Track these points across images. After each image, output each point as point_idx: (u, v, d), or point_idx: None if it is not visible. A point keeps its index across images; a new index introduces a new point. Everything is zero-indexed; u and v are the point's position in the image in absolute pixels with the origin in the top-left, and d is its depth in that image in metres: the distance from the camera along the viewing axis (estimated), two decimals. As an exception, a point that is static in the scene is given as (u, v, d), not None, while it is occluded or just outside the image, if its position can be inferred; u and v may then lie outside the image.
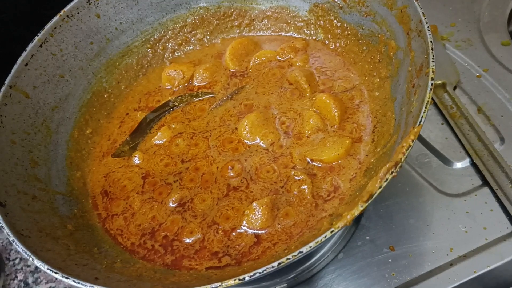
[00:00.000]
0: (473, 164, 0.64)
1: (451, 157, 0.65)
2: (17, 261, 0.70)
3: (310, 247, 0.39)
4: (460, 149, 0.66)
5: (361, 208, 0.40)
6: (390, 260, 0.57)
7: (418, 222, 0.60)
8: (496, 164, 0.62)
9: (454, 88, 0.73)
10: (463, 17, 0.84)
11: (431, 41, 0.49)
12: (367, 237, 0.60)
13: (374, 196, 0.41)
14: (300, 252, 0.39)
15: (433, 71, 0.46)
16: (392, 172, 0.41)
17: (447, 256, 0.56)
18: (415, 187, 0.63)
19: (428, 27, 0.50)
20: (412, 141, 0.43)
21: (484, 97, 0.71)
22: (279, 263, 0.39)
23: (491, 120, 0.68)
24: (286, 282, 0.58)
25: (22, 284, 0.68)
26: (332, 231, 0.40)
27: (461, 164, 0.65)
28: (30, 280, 0.68)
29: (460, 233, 0.58)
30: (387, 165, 0.42)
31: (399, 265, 0.57)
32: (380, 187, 0.41)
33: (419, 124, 0.44)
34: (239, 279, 0.39)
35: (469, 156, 0.64)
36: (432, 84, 0.46)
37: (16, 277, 0.69)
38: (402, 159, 0.42)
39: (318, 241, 0.39)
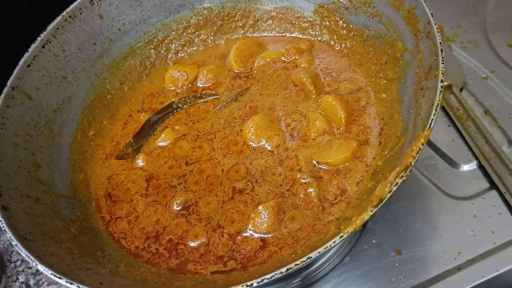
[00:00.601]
0: (480, 166, 0.63)
1: (458, 159, 0.65)
2: (18, 263, 0.70)
3: (319, 252, 0.39)
4: (467, 152, 0.65)
5: (371, 213, 0.40)
6: (397, 264, 0.57)
7: (425, 225, 0.59)
8: (504, 167, 0.61)
9: (461, 90, 0.72)
10: (468, 18, 0.84)
11: (440, 43, 0.48)
12: (374, 241, 0.59)
13: (384, 201, 0.40)
14: (309, 257, 0.38)
15: (442, 73, 0.46)
16: (402, 176, 0.41)
17: (455, 260, 0.56)
18: (422, 190, 0.63)
19: (437, 29, 0.49)
20: (422, 144, 0.42)
21: (491, 98, 0.70)
22: (288, 269, 0.38)
23: (498, 122, 0.67)
24: (292, 286, 0.58)
25: (24, 286, 0.67)
26: (341, 236, 0.39)
27: (468, 166, 0.64)
28: (31, 282, 0.67)
29: (468, 237, 0.57)
30: (397, 169, 0.41)
31: (406, 269, 0.56)
32: (390, 191, 0.40)
33: (429, 127, 0.43)
34: (247, 285, 0.38)
35: (477, 158, 0.64)
36: (442, 86, 0.45)
37: (18, 279, 0.68)
38: (412, 163, 0.41)
39: (327, 247, 0.39)
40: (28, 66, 0.59)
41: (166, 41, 0.75)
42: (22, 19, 0.78)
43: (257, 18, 0.75)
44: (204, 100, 0.68)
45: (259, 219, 0.52)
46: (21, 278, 0.68)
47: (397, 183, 0.40)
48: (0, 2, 0.75)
